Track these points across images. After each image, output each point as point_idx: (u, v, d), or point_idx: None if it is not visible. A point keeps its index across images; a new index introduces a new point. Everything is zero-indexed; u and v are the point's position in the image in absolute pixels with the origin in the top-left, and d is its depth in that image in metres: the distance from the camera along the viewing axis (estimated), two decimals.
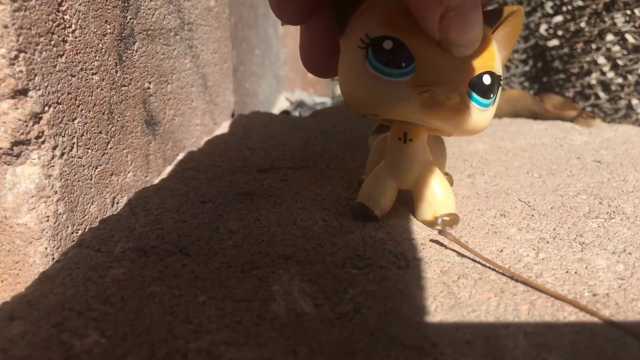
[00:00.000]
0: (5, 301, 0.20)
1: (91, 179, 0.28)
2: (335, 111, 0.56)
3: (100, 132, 0.29)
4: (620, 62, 0.56)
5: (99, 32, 0.29)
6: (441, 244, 0.25)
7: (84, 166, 0.27)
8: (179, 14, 0.40)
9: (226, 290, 0.21)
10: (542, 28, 0.64)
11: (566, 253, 0.24)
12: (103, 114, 0.29)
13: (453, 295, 0.21)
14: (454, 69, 0.22)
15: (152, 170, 0.36)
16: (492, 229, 0.26)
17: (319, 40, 0.26)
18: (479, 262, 0.23)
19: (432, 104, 0.22)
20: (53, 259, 0.25)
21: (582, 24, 0.57)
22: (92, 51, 0.28)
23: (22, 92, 0.23)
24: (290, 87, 0.99)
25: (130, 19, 0.32)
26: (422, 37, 0.21)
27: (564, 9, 0.60)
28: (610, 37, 0.56)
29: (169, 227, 0.26)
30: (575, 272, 0.22)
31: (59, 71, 0.25)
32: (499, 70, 0.23)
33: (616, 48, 0.56)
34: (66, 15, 0.26)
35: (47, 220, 0.25)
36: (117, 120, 0.31)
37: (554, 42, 0.62)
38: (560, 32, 0.61)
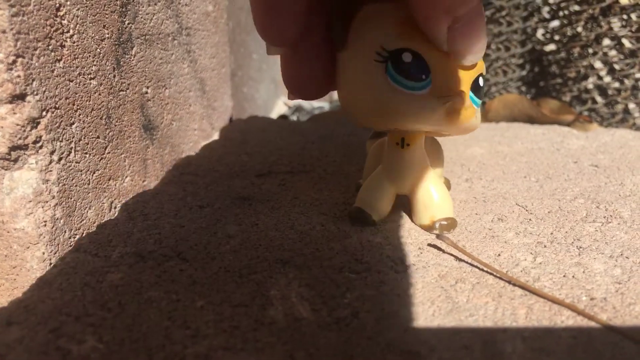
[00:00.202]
0: (2, 306, 0.20)
1: (89, 184, 0.28)
2: (333, 116, 0.56)
3: (98, 137, 0.29)
4: (617, 67, 0.56)
5: (97, 37, 0.29)
6: (439, 249, 0.25)
7: (81, 171, 0.27)
8: (177, 18, 0.40)
9: (224, 295, 0.21)
10: (539, 33, 0.64)
11: (564, 257, 0.24)
12: (101, 118, 0.29)
13: (451, 299, 0.21)
14: (464, 76, 0.22)
15: (149, 175, 0.36)
16: (490, 233, 0.26)
17: (309, 60, 0.24)
18: (476, 267, 0.23)
19: (455, 113, 0.22)
20: (50, 264, 0.25)
21: (579, 29, 0.58)
22: (90, 56, 0.28)
23: (19, 97, 0.23)
24: None
25: (128, 23, 0.32)
26: (434, 47, 0.22)
27: (561, 13, 0.60)
28: (607, 41, 0.56)
29: (167, 231, 0.26)
30: (573, 276, 0.22)
31: (57, 76, 0.25)
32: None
33: (613, 52, 0.56)
34: (64, 20, 0.26)
35: (45, 225, 0.25)
36: (115, 125, 0.31)
37: (551, 47, 0.63)
38: (557, 37, 0.62)
